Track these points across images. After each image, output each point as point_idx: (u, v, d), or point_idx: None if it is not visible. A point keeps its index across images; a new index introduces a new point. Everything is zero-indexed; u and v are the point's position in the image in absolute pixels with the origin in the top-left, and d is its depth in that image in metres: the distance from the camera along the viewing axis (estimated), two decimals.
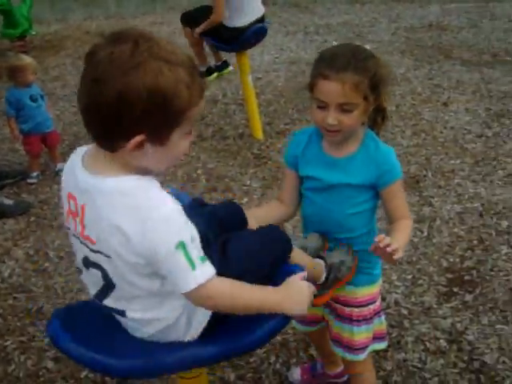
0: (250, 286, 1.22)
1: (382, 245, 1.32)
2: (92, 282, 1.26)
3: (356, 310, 1.66)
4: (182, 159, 1.25)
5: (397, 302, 2.42)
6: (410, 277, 2.56)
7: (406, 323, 2.31)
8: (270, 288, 1.28)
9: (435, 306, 2.39)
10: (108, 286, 1.22)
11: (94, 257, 1.20)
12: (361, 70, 1.41)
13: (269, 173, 3.56)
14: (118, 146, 1.10)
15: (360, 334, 1.67)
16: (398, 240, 1.38)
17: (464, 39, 5.77)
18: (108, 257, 1.16)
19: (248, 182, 3.48)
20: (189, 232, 1.13)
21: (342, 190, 1.54)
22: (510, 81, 4.67)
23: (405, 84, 4.71)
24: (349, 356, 1.71)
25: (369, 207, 1.58)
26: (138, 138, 1.08)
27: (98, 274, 1.22)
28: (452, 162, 3.53)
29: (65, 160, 1.30)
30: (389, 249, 1.32)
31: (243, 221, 1.49)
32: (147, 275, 1.17)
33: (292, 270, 1.38)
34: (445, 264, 2.64)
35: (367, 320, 1.67)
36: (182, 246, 1.10)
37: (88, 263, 1.23)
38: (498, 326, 2.26)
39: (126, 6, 7.72)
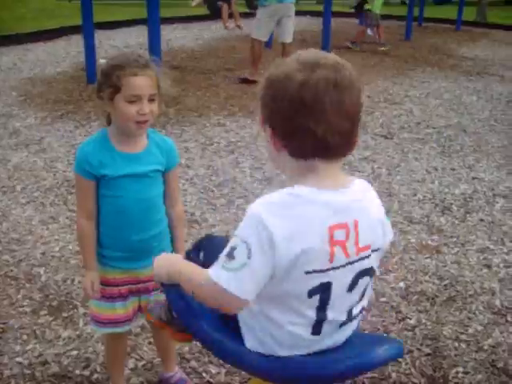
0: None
1: None
2: (352, 301, 1.31)
3: None
4: None
5: None
6: None
7: None
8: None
9: None
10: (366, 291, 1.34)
11: (365, 264, 1.28)
12: (153, 68, 1.74)
13: None
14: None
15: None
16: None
17: None
18: (377, 250, 1.30)
19: None
20: None
21: (151, 177, 1.82)
22: None
23: None
24: None
25: (163, 189, 1.88)
26: None
27: (367, 279, 1.31)
28: None
29: None
30: None
31: None
32: None
33: None
34: None
35: None
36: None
37: (356, 281, 1.28)
38: None
39: None
